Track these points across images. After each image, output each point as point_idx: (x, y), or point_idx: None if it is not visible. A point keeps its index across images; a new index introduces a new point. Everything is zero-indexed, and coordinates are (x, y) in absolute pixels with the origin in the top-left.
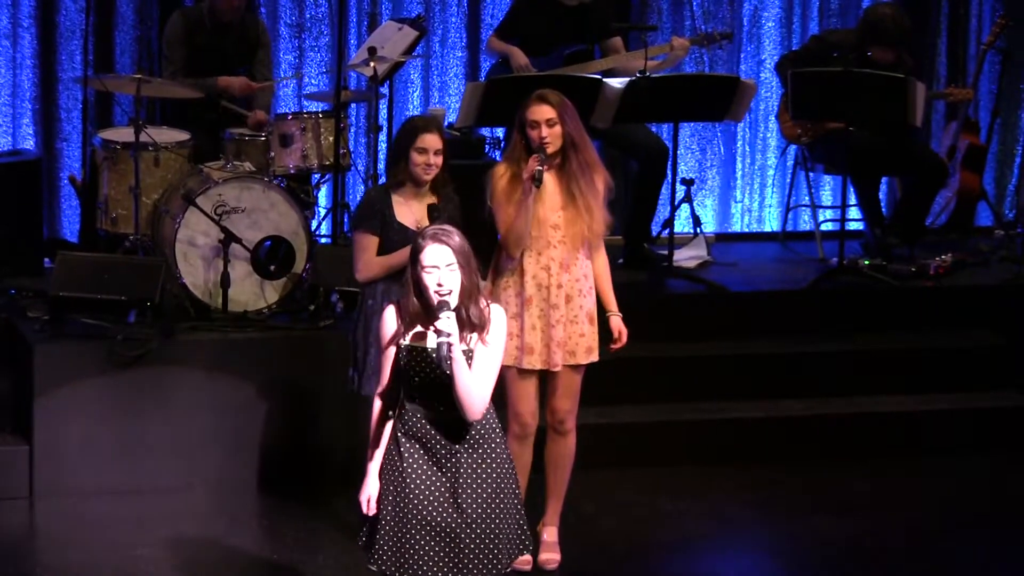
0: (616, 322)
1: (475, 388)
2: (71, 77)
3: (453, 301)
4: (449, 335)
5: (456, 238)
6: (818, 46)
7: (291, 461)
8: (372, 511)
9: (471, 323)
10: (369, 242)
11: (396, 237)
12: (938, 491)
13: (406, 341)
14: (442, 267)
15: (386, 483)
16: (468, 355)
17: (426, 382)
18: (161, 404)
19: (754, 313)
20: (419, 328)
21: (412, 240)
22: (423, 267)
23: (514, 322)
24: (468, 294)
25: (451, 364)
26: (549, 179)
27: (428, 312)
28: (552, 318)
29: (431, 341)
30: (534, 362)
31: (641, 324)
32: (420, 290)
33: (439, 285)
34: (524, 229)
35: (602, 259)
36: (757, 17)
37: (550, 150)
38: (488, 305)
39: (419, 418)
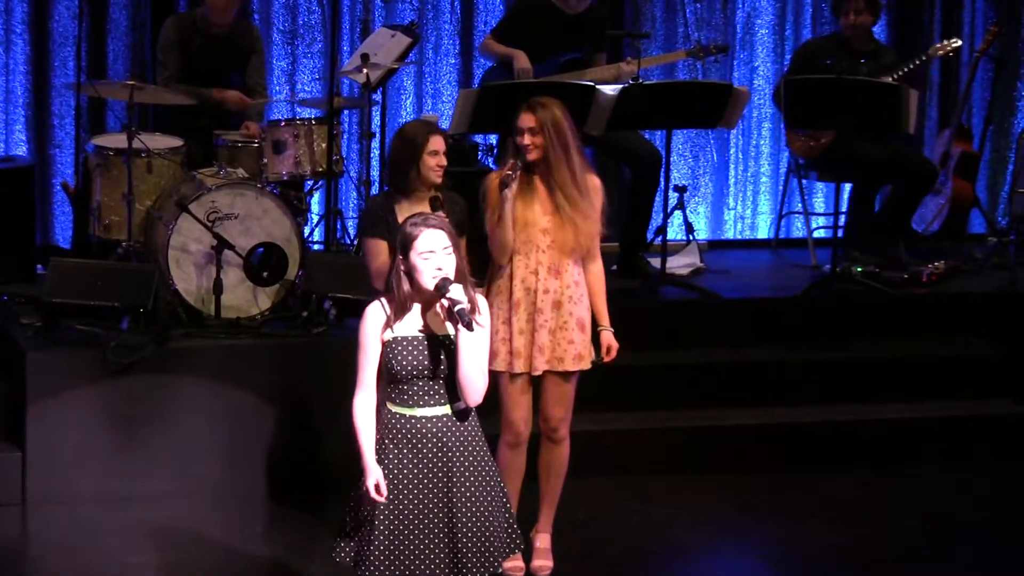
0: (607, 337)
1: (479, 367)
2: (64, 83)
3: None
4: (462, 301)
5: (445, 222)
6: (805, 53)
7: (285, 467)
8: (384, 495)
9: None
10: (380, 248)
11: None
12: (932, 499)
13: (392, 334)
14: (439, 251)
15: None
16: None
17: (413, 374)
18: (154, 411)
19: (747, 320)
20: (406, 319)
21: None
22: (420, 253)
23: (505, 327)
24: (462, 277)
25: (473, 323)
26: (537, 184)
27: (422, 297)
28: (537, 322)
29: (437, 319)
30: (521, 365)
31: (634, 331)
32: (412, 278)
33: (438, 269)
34: (505, 235)
35: (596, 270)
36: (750, 24)
37: (530, 157)
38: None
39: (405, 420)
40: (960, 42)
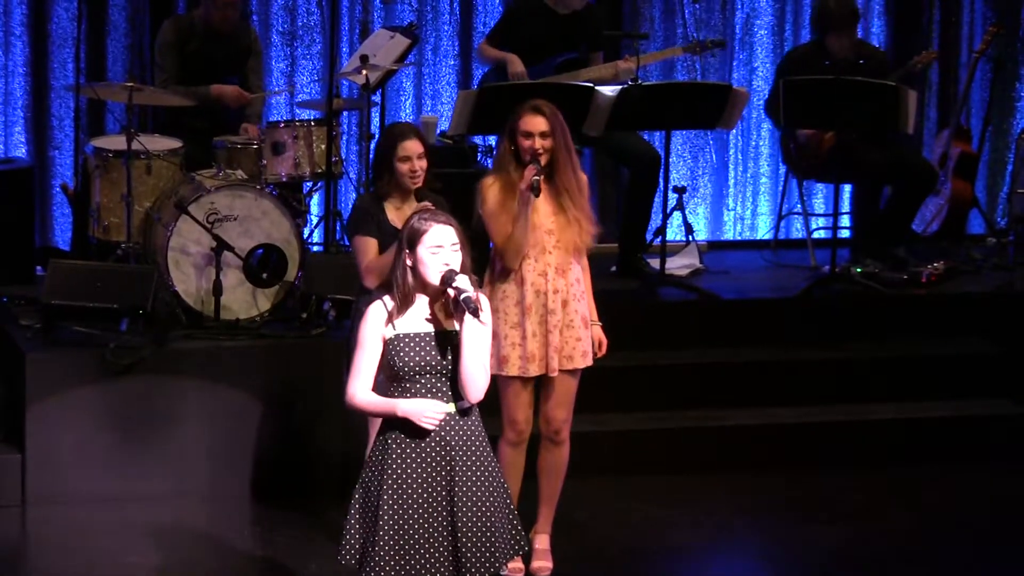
0: (596, 332)
1: (481, 362)
2: (63, 85)
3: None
4: (469, 290)
5: (453, 219)
6: (791, 63)
7: (284, 469)
8: (445, 408)
9: None
10: (369, 245)
11: (390, 241)
12: (930, 500)
13: (395, 331)
14: (447, 247)
15: (381, 493)
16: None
17: (416, 371)
18: (153, 412)
19: (746, 321)
20: (408, 315)
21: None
22: (428, 248)
23: (515, 331)
24: (467, 274)
25: (479, 311)
26: (541, 186)
27: (426, 292)
28: (550, 323)
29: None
30: (535, 369)
31: (633, 332)
32: (417, 272)
33: (445, 265)
34: (523, 240)
35: (586, 266)
36: (749, 25)
37: (543, 161)
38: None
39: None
40: (936, 53)
